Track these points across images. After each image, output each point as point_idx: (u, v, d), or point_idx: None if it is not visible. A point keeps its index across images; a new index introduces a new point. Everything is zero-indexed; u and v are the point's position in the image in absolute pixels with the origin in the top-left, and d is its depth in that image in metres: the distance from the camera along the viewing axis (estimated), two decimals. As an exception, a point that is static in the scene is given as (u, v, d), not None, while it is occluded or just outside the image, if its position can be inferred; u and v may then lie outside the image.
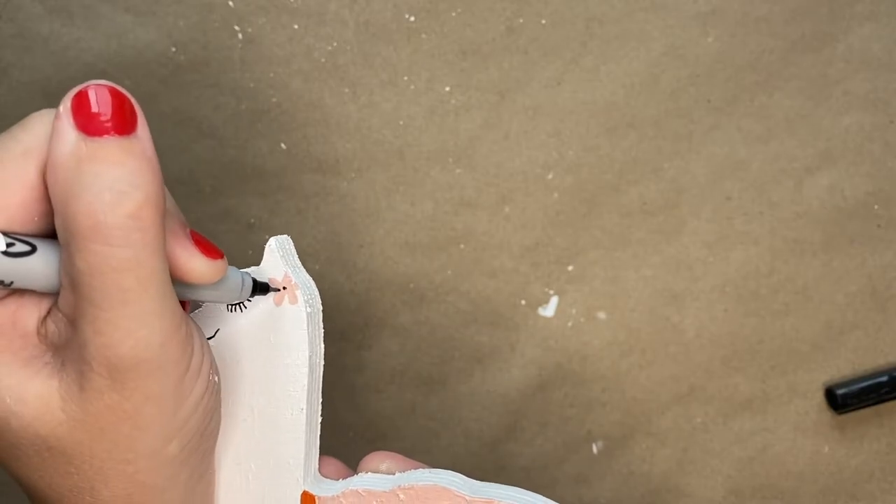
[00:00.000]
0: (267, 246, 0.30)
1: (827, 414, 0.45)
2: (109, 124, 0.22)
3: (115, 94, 0.23)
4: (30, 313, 0.24)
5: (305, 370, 0.29)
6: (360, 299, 0.44)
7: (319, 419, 0.30)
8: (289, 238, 0.30)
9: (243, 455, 0.30)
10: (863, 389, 0.44)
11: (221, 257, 0.26)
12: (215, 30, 0.42)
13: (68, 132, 0.22)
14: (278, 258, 0.30)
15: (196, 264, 0.25)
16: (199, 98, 0.43)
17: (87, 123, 0.22)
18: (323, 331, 0.30)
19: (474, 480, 0.29)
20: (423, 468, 0.29)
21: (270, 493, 0.30)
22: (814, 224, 0.44)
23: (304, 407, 0.29)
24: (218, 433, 0.29)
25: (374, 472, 0.30)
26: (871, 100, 0.43)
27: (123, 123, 0.22)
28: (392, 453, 0.31)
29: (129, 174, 0.22)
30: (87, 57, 0.42)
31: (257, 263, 0.30)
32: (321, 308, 0.30)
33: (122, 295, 0.22)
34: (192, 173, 0.44)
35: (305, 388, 0.29)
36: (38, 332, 0.25)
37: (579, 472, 0.46)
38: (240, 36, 0.43)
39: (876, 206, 0.44)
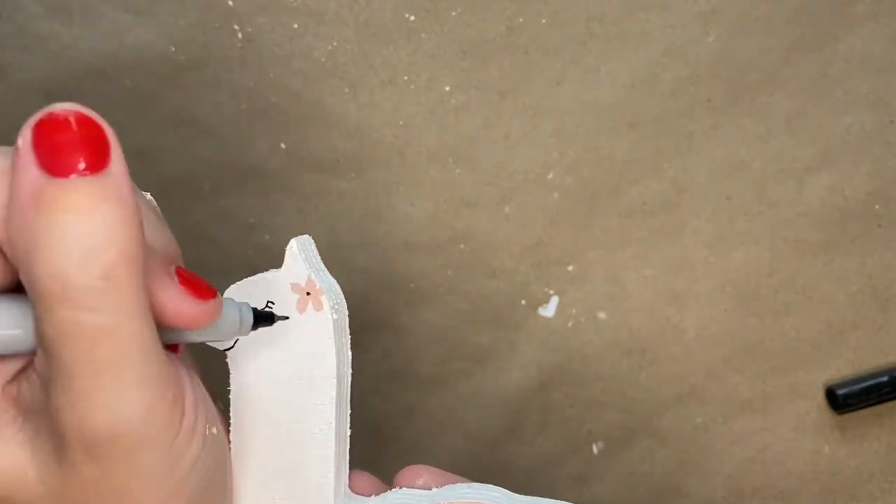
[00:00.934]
0: (288, 249, 0.27)
1: (827, 414, 0.45)
2: (78, 159, 0.19)
3: (84, 122, 0.19)
4: None
5: (333, 381, 0.27)
6: (360, 299, 0.44)
7: (349, 432, 0.28)
8: (310, 238, 0.28)
9: (269, 475, 0.28)
10: (863, 389, 0.44)
11: (213, 297, 0.22)
12: (215, 29, 0.42)
13: (29, 171, 0.19)
14: (300, 261, 0.27)
15: (183, 309, 0.22)
16: (199, 98, 0.43)
17: (50, 159, 0.19)
18: (350, 337, 0.28)
19: (516, 495, 0.27)
20: (462, 482, 0.28)
21: None
22: (814, 224, 0.44)
23: (333, 421, 0.27)
24: (226, 485, 0.27)
25: (409, 488, 0.28)
26: (871, 99, 0.43)
27: (94, 157, 0.19)
28: (428, 467, 0.29)
29: (102, 225, 0.19)
30: (86, 57, 0.42)
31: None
32: (347, 313, 0.28)
33: (96, 365, 0.19)
34: (192, 173, 0.43)
35: (334, 400, 0.27)
36: (7, 396, 0.22)
37: (579, 472, 0.46)
38: (240, 36, 0.42)
39: (876, 206, 0.44)
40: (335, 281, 0.28)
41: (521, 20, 0.43)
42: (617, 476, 0.46)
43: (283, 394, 0.28)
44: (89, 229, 0.19)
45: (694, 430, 0.45)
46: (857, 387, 0.44)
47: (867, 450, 0.45)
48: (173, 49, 0.42)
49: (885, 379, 0.44)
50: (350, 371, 0.28)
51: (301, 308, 0.27)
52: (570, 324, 0.45)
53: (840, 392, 0.44)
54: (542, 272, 0.44)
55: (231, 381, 0.28)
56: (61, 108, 0.19)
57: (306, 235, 0.28)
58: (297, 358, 0.27)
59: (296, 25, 0.43)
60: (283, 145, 0.43)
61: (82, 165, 0.19)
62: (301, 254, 0.27)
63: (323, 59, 0.43)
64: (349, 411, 0.28)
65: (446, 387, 0.45)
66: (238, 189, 0.44)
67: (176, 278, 0.22)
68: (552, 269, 0.44)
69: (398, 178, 0.44)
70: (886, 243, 0.44)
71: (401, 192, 0.44)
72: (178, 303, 0.22)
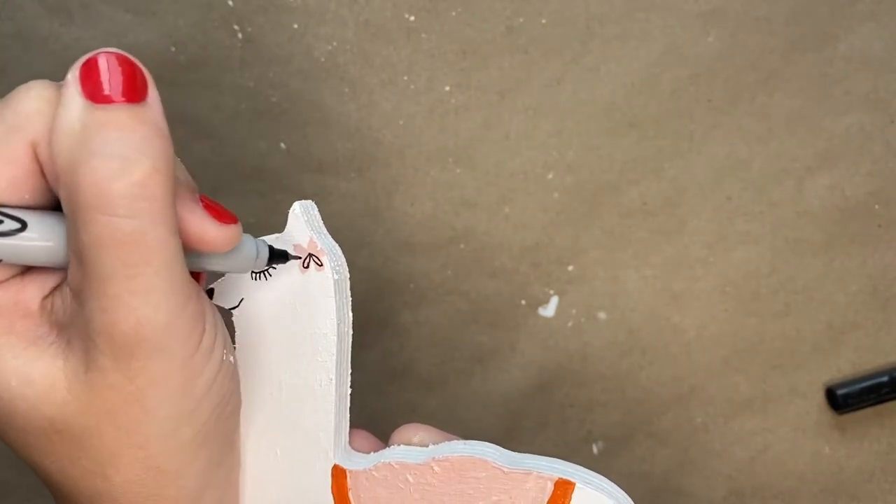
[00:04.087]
0: (291, 211, 0.29)
1: (827, 414, 0.45)
2: (118, 91, 0.22)
3: (124, 62, 0.22)
4: (33, 292, 0.24)
5: (334, 339, 0.28)
6: (360, 299, 0.44)
7: (349, 391, 0.29)
8: (313, 203, 0.29)
9: (272, 430, 0.29)
10: (863, 389, 0.44)
11: (234, 222, 0.25)
12: (215, 29, 0.42)
13: (75, 100, 0.22)
14: (303, 223, 0.29)
15: (207, 231, 0.24)
16: (198, 98, 0.43)
17: (94, 91, 0.22)
18: (351, 299, 0.29)
19: (511, 452, 0.28)
20: (457, 440, 0.29)
21: (300, 468, 0.29)
22: (814, 224, 0.44)
23: (333, 377, 0.28)
24: (238, 417, 0.28)
25: (407, 445, 0.29)
26: (871, 99, 0.43)
27: (133, 91, 0.22)
28: (425, 425, 0.30)
29: (138, 141, 0.21)
30: (86, 57, 0.42)
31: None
32: (348, 275, 0.29)
33: (127, 269, 0.21)
34: (192, 173, 0.43)
35: (334, 357, 0.28)
36: (43, 310, 0.24)
37: (579, 473, 0.46)
38: (239, 35, 0.43)
39: (876, 206, 0.44)
40: (336, 244, 0.29)
41: (521, 20, 0.43)
42: (617, 476, 0.46)
43: (285, 351, 0.29)
44: (128, 144, 0.21)
45: (694, 430, 0.45)
46: (857, 387, 0.44)
47: (867, 450, 0.45)
48: (173, 49, 0.42)
49: (885, 379, 0.44)
50: (351, 332, 0.29)
51: (303, 268, 0.28)
52: (570, 324, 0.45)
53: (840, 392, 0.44)
54: (542, 272, 0.44)
55: (236, 339, 0.29)
56: (106, 50, 0.22)
57: (310, 200, 0.29)
58: (299, 316, 0.28)
59: (296, 25, 0.43)
60: (283, 145, 0.43)
61: (123, 96, 0.22)
62: (303, 216, 0.29)
63: (323, 59, 0.43)
64: (349, 371, 0.29)
65: (446, 387, 0.45)
66: (238, 189, 0.44)
67: (200, 203, 0.24)
68: (552, 269, 0.44)
69: (398, 178, 0.44)
70: (886, 243, 0.44)
71: (401, 192, 0.44)
72: (203, 225, 0.24)
